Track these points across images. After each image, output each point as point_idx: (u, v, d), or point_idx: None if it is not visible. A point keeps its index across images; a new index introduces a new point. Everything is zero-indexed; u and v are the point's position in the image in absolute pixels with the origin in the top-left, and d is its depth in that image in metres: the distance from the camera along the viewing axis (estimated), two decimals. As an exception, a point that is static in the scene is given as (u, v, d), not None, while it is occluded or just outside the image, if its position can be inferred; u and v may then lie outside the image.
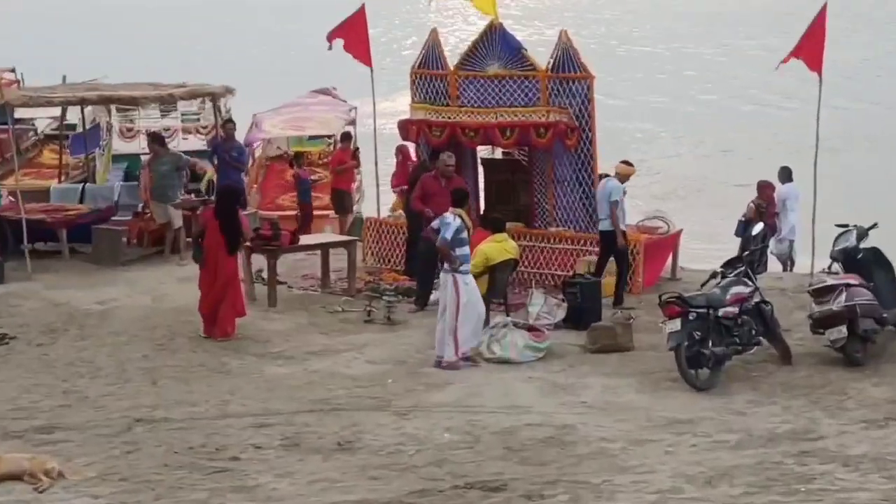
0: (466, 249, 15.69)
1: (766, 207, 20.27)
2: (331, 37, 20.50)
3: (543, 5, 73.23)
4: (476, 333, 15.61)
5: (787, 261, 20.79)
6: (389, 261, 20.57)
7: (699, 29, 61.80)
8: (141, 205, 21.72)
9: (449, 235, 15.49)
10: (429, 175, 18.24)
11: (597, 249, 18.66)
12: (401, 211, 21.03)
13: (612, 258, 18.12)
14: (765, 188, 20.78)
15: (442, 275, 15.72)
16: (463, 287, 15.48)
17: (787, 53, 18.57)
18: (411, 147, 21.76)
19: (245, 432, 12.94)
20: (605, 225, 18.23)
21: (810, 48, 18.02)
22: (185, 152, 22.75)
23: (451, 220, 15.60)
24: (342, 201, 23.83)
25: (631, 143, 35.44)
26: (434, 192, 17.93)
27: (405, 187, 20.77)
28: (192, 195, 22.05)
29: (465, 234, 15.65)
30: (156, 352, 16.16)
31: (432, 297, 17.52)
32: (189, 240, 19.99)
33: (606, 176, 18.77)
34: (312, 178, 24.20)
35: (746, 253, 16.16)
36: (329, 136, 26.96)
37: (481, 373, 15.24)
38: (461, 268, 15.54)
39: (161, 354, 16.04)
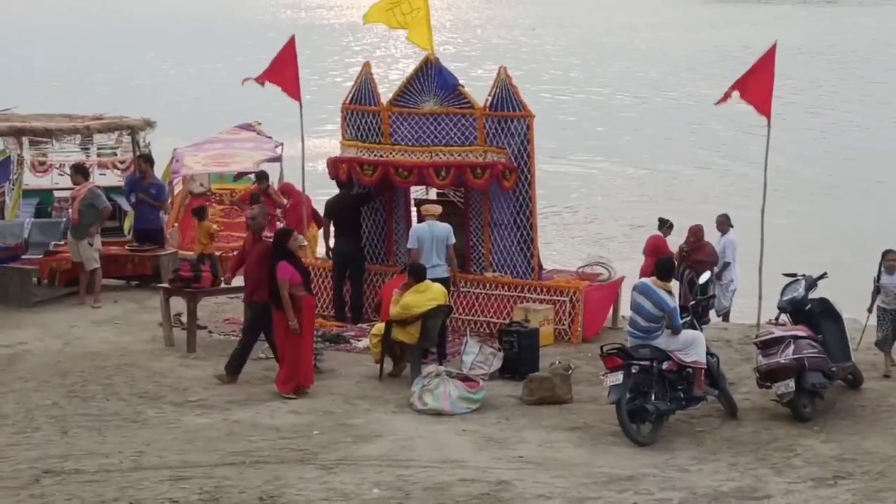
0: None
1: (687, 252, 20.26)
2: (263, 78, 19.87)
3: (492, 46, 73.58)
4: None
5: (727, 312, 20.56)
6: (315, 305, 19.85)
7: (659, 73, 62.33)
8: (54, 243, 20.93)
9: (680, 321, 14.72)
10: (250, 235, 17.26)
11: (534, 297, 18.40)
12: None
13: None
14: (696, 231, 20.65)
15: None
16: None
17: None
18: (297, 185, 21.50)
19: (161, 486, 12.60)
20: None
21: (758, 91, 17.57)
22: (102, 188, 21.96)
23: (674, 305, 14.68)
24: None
25: (567, 184, 35.27)
26: (246, 253, 16.79)
27: None
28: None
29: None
30: (67, 399, 15.59)
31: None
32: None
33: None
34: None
35: (693, 302, 15.73)
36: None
37: (413, 425, 14.88)
38: None
39: (72, 402, 15.49)
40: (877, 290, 16.73)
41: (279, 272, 15.63)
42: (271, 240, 16.54)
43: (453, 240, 17.97)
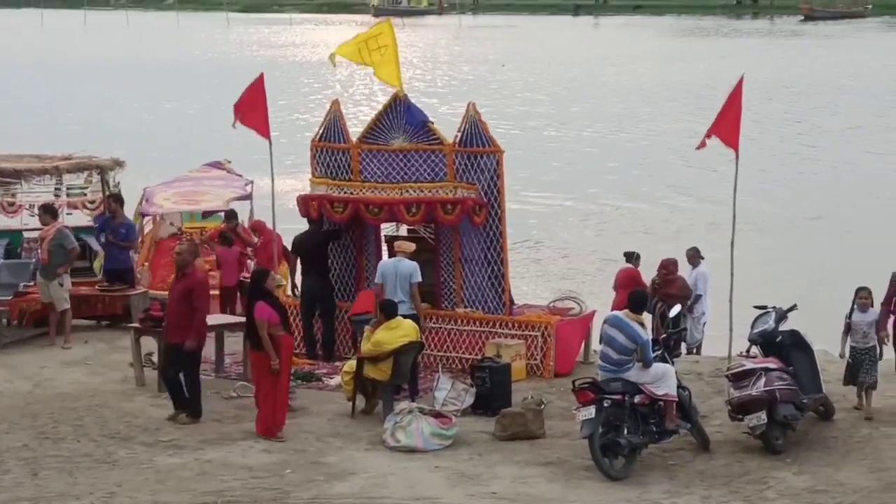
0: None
1: (659, 285, 20.18)
2: (236, 115, 19.81)
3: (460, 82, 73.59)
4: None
5: (699, 345, 20.51)
6: (293, 344, 19.72)
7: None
8: (23, 283, 20.79)
9: (652, 355, 14.65)
10: None
11: (506, 332, 18.29)
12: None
13: None
14: (668, 264, 20.58)
15: None
16: None
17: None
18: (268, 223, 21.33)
19: (133, 527, 12.40)
20: None
21: (726, 124, 17.70)
22: (71, 228, 21.83)
23: (647, 338, 14.67)
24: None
25: (532, 220, 35.23)
26: (169, 290, 16.70)
27: None
28: None
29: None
30: (37, 441, 15.44)
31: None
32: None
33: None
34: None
35: (665, 336, 15.72)
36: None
37: (386, 462, 14.78)
38: None
39: (43, 444, 15.34)
40: (847, 328, 16.32)
41: (257, 312, 15.54)
42: (248, 280, 16.41)
43: (418, 278, 17.88)
